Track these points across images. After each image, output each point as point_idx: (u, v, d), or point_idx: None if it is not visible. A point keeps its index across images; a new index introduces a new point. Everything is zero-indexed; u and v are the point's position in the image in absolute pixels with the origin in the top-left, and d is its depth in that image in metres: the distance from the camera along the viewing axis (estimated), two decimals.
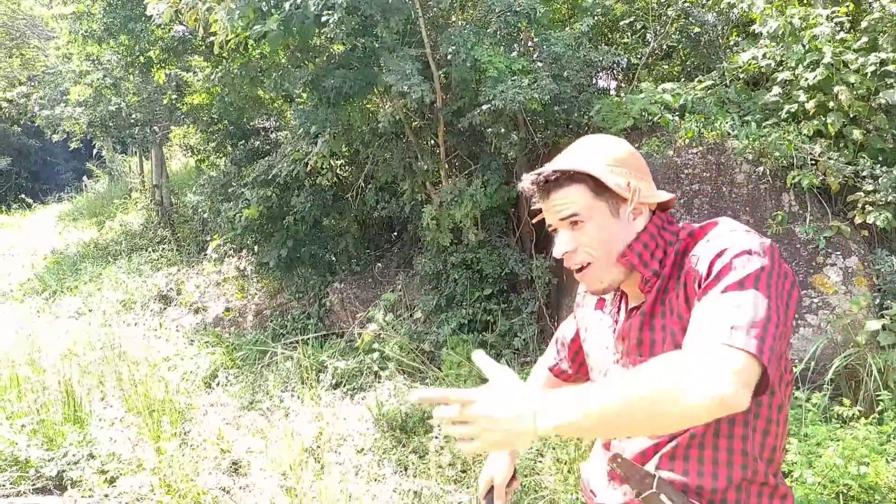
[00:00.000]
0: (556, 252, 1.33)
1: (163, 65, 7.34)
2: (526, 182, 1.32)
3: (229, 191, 6.40)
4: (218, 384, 5.36)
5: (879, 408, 3.63)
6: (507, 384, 1.08)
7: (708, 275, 1.16)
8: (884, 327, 3.78)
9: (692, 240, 1.28)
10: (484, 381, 1.14)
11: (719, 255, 1.17)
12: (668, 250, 1.30)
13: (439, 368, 5.03)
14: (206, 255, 7.87)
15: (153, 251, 9.20)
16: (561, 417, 1.03)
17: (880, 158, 4.35)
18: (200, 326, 6.67)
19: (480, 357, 1.17)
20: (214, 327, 6.61)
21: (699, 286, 1.18)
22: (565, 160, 1.32)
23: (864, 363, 3.79)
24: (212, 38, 4.81)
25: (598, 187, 1.27)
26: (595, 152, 1.31)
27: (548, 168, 1.30)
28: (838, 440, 3.29)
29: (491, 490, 1.62)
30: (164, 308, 7.37)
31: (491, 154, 5.46)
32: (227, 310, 6.74)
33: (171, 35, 7.06)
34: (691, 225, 1.34)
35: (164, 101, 7.97)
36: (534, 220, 1.44)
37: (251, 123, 7.53)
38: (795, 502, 2.90)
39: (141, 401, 4.55)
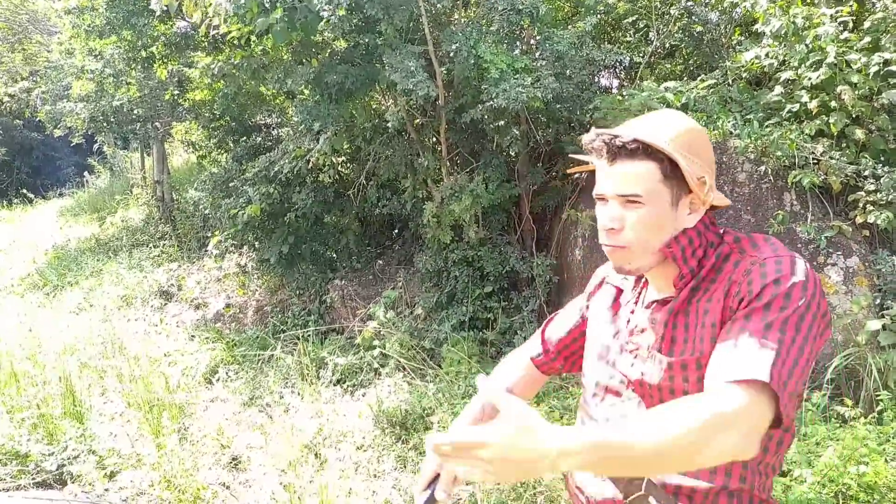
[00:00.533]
0: (601, 222, 1.25)
1: (165, 60, 7.33)
2: (594, 138, 1.21)
3: (230, 186, 6.40)
4: (218, 380, 5.37)
5: (879, 408, 3.63)
6: (521, 420, 0.96)
7: (756, 296, 1.13)
8: (884, 327, 3.78)
9: (738, 247, 1.24)
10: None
11: (775, 282, 1.13)
12: (709, 251, 1.26)
13: (439, 366, 5.03)
14: (206, 251, 7.87)
15: (154, 247, 9.20)
16: (583, 462, 0.97)
17: (882, 158, 4.34)
18: (201, 322, 6.67)
19: (485, 386, 1.06)
20: (215, 323, 6.61)
21: (743, 303, 1.14)
22: (643, 130, 1.21)
23: (864, 363, 3.79)
24: (214, 33, 4.81)
25: (670, 171, 1.19)
26: (676, 132, 1.21)
27: (626, 133, 1.19)
28: (838, 440, 3.29)
29: (435, 480, 1.32)
30: (165, 304, 7.37)
31: (492, 152, 5.46)
32: (228, 306, 6.75)
33: (173, 30, 7.05)
34: (735, 231, 1.30)
35: (166, 97, 7.96)
36: (572, 170, 1.38)
37: (253, 120, 7.53)
38: (793, 500, 2.91)
39: (141, 396, 4.56)
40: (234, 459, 4.20)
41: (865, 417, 3.59)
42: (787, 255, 1.17)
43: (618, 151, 1.19)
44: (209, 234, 7.78)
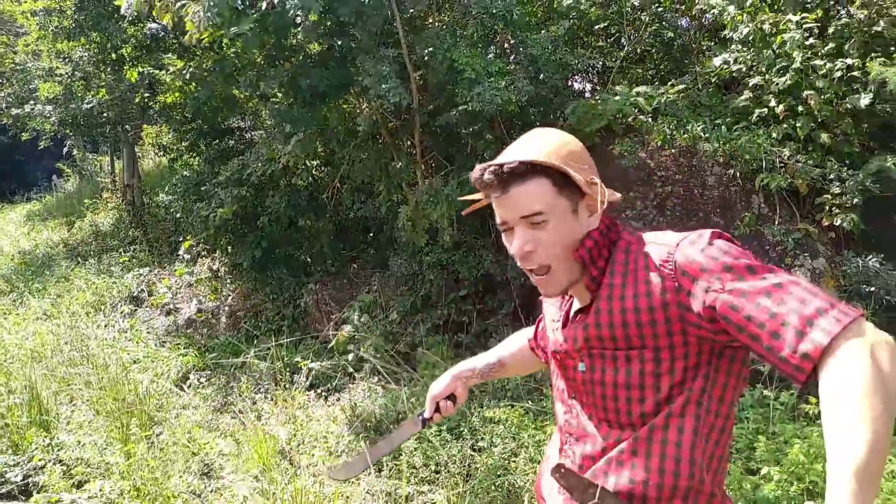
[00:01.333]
0: (514, 250, 1.27)
1: (135, 63, 7.24)
2: (480, 172, 1.23)
3: (202, 190, 6.32)
4: (189, 386, 5.29)
5: None
6: None
7: (709, 270, 1.12)
8: None
9: (636, 239, 1.27)
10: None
11: (710, 244, 1.15)
12: (613, 249, 1.28)
13: (414, 369, 5.02)
14: (178, 255, 7.77)
15: (124, 252, 9.05)
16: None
17: (847, 162, 4.44)
18: (172, 328, 6.57)
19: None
20: (186, 329, 6.52)
21: (712, 284, 1.12)
22: (525, 152, 1.23)
23: None
24: (185, 35, 4.75)
25: (562, 183, 1.22)
26: (554, 146, 1.24)
27: (510, 158, 1.22)
28: (805, 438, 3.35)
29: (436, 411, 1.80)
30: (135, 310, 7.25)
31: (467, 155, 5.47)
32: (200, 311, 6.66)
33: (143, 32, 6.96)
34: (630, 227, 1.33)
35: (137, 100, 7.85)
36: (467, 211, 1.41)
37: (225, 123, 7.46)
38: (762, 497, 2.95)
39: (110, 403, 4.47)
40: (205, 467, 4.14)
41: None
42: (687, 233, 1.21)
43: (508, 178, 1.21)
44: (181, 239, 7.68)
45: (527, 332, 1.76)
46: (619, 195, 1.31)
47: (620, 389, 1.24)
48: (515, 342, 1.78)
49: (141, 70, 7.38)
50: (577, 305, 1.37)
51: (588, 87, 6.86)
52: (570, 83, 6.48)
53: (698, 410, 1.20)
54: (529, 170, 1.20)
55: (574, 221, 1.25)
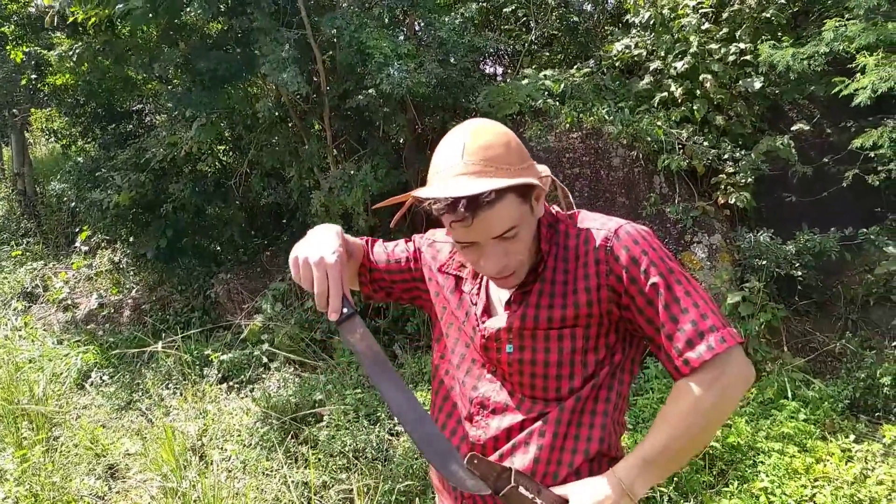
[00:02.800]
0: (493, 271, 1.25)
1: (19, 42, 6.71)
2: (444, 208, 1.15)
3: (98, 177, 5.96)
4: (91, 385, 5.02)
5: None
6: (589, 481, 1.25)
7: (634, 275, 1.22)
8: (744, 299, 4.10)
9: (571, 221, 1.32)
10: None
11: (643, 252, 1.23)
12: (555, 232, 1.33)
13: (331, 357, 4.96)
14: (75, 247, 7.33)
15: (16, 245, 8.47)
16: (646, 480, 1.22)
17: (740, 143, 4.69)
18: (71, 325, 6.21)
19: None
20: (87, 325, 6.17)
21: (627, 284, 1.23)
22: (479, 169, 1.17)
23: None
24: (73, 15, 4.44)
25: (525, 191, 1.20)
26: (504, 151, 1.20)
27: (468, 189, 1.14)
28: None
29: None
30: (30, 306, 6.81)
31: (379, 139, 5.40)
32: (101, 306, 6.31)
33: (28, 11, 6.45)
34: (555, 207, 1.36)
35: (23, 82, 7.29)
36: (380, 205, 1.42)
37: (123, 106, 7.04)
38: None
39: (1, 406, 4.19)
40: (110, 468, 3.96)
41: None
42: (622, 223, 1.28)
43: (478, 208, 1.15)
44: (77, 230, 7.24)
45: (367, 246, 1.60)
46: (546, 170, 1.32)
47: (551, 367, 1.29)
48: (357, 245, 1.58)
49: (26, 49, 6.85)
50: (498, 290, 1.37)
51: (500, 70, 6.92)
52: (481, 66, 6.51)
53: (615, 382, 1.31)
54: (498, 193, 1.16)
55: (533, 219, 1.27)
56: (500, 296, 1.38)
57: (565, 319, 1.27)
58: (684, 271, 1.25)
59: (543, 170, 1.30)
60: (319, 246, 1.30)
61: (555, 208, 1.37)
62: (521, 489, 1.25)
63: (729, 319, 1.22)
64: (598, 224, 1.30)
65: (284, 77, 4.21)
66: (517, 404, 1.32)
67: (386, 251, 1.59)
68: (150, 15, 3.98)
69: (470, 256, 1.27)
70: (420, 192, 1.20)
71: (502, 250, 1.22)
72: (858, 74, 3.78)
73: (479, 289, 1.41)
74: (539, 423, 1.29)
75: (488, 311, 1.38)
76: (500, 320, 1.34)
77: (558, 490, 1.26)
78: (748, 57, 4.66)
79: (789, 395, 3.66)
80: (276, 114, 5.08)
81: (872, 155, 4.11)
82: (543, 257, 1.30)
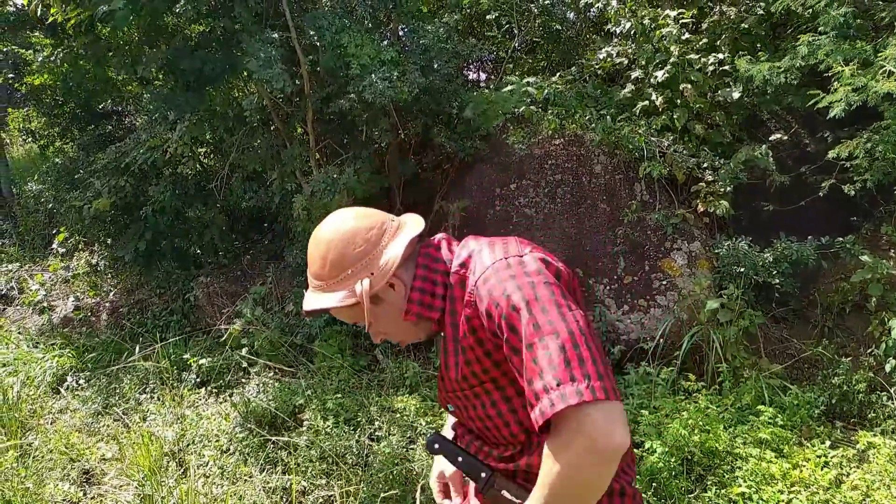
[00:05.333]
0: (375, 341, 1.43)
1: None
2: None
3: (76, 178, 5.87)
4: (67, 389, 4.94)
5: (720, 378, 3.98)
6: None
7: (499, 327, 1.16)
8: (722, 305, 4.14)
9: (465, 270, 1.28)
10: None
11: (495, 304, 1.16)
12: (447, 281, 1.31)
13: (311, 362, 4.93)
14: (52, 249, 7.21)
15: None
16: None
17: (719, 152, 4.74)
18: (47, 328, 6.10)
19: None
20: (63, 328, 6.07)
21: (494, 335, 1.19)
22: (315, 287, 1.35)
23: (707, 339, 4.14)
24: (53, 16, 4.38)
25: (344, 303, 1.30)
26: (318, 270, 1.32)
27: (307, 306, 1.35)
28: (684, 411, 3.57)
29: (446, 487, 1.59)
30: (4, 309, 6.69)
31: (362, 143, 5.39)
32: (78, 309, 6.21)
33: (6, 9, 6.37)
34: (455, 250, 1.33)
35: (0, 81, 7.19)
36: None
37: (102, 106, 6.96)
38: (645, 470, 3.11)
39: None
40: (85, 473, 3.89)
41: (708, 389, 3.93)
42: (491, 266, 1.21)
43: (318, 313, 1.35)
44: (54, 231, 7.13)
45: None
46: (408, 237, 1.31)
47: (487, 421, 1.33)
48: None
49: (3, 49, 6.76)
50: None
51: (483, 76, 6.95)
52: (465, 72, 6.53)
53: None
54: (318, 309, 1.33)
55: (382, 304, 1.33)
56: None
57: (469, 378, 1.29)
58: (564, 302, 1.13)
59: (395, 251, 1.29)
60: None
61: (466, 242, 1.34)
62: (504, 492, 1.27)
63: (602, 371, 1.07)
64: (477, 264, 1.26)
65: (271, 73, 4.19)
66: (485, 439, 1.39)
67: None
68: (132, 16, 3.93)
69: None
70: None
71: (369, 327, 1.36)
72: (835, 83, 3.85)
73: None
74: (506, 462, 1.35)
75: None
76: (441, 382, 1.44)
77: None
78: (727, 67, 4.73)
79: (767, 400, 3.70)
80: (259, 117, 5.04)
81: (848, 165, 4.18)
82: (444, 312, 1.31)
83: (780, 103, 4.79)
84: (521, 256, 1.20)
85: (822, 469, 3.16)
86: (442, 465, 1.57)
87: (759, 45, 4.80)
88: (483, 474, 1.29)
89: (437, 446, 1.35)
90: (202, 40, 5.01)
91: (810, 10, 4.03)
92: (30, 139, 8.68)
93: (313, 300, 1.33)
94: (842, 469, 3.20)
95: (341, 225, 1.32)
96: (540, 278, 1.15)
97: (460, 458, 1.32)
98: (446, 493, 1.58)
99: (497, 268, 1.19)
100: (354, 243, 1.29)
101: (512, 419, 1.28)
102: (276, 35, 4.50)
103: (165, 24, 4.99)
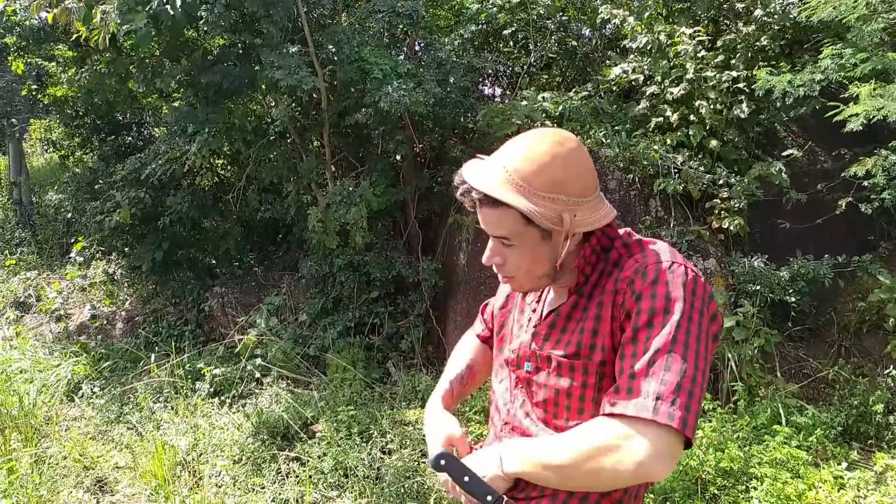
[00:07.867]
0: (485, 260, 1.32)
1: (21, 53, 6.74)
2: (458, 186, 1.27)
3: (96, 189, 5.96)
4: (82, 397, 4.99)
5: (735, 398, 3.94)
6: (480, 452, 1.33)
7: (637, 312, 1.17)
8: (738, 323, 4.11)
9: (626, 252, 1.28)
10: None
11: (652, 296, 1.17)
12: (601, 257, 1.30)
13: (324, 373, 4.94)
14: (70, 258, 7.31)
15: (10, 254, 8.43)
16: (523, 473, 1.22)
17: (735, 168, 4.73)
18: (63, 335, 6.17)
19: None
20: (79, 336, 6.14)
21: (630, 319, 1.18)
22: (499, 174, 1.22)
23: (722, 357, 4.11)
24: (80, 33, 4.48)
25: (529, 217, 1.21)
26: (533, 171, 1.21)
27: (473, 178, 1.23)
28: (698, 430, 3.54)
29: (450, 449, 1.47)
30: (22, 316, 6.77)
31: (377, 156, 5.44)
32: (94, 317, 6.28)
33: (30, 22, 6.49)
34: (631, 234, 1.33)
35: (23, 93, 7.32)
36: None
37: (122, 118, 7.07)
38: (659, 489, 3.09)
39: None
40: (98, 481, 3.91)
41: (723, 408, 3.90)
42: (667, 263, 1.21)
43: (481, 201, 1.24)
44: (73, 240, 7.22)
45: (472, 332, 1.75)
46: (612, 215, 1.29)
47: (561, 397, 1.28)
48: (468, 345, 1.72)
49: (28, 61, 6.89)
50: (553, 300, 1.38)
51: (498, 91, 6.99)
52: (480, 87, 6.57)
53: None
54: (491, 200, 1.22)
55: (544, 247, 1.26)
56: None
57: (581, 347, 1.25)
58: (700, 339, 1.15)
59: (603, 215, 1.26)
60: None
61: (633, 235, 1.34)
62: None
63: (697, 414, 1.13)
64: (640, 254, 1.26)
65: (298, 76, 4.26)
66: (531, 425, 1.33)
67: (494, 303, 1.66)
68: (153, 33, 4.01)
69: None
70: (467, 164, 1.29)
71: (499, 251, 1.29)
72: (851, 104, 3.83)
73: (530, 310, 1.44)
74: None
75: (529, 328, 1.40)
76: (525, 337, 1.37)
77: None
78: (741, 85, 4.72)
79: (783, 420, 3.66)
80: (277, 129, 5.10)
81: (866, 184, 4.15)
82: (587, 282, 1.29)
83: (792, 113, 4.71)
84: (700, 277, 1.22)
85: (838, 491, 3.12)
86: (449, 429, 1.48)
87: (776, 63, 4.79)
88: (489, 497, 1.27)
89: (443, 462, 1.32)
90: (221, 55, 5.09)
91: (841, 22, 3.92)
92: (50, 149, 8.82)
93: (498, 190, 1.20)
94: (858, 491, 3.16)
95: (577, 153, 1.24)
96: (708, 310, 1.19)
97: (466, 478, 1.30)
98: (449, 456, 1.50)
99: (676, 271, 1.19)
100: (582, 178, 1.23)
101: (590, 406, 1.26)
102: (294, 49, 4.57)
103: (185, 38, 5.07)
